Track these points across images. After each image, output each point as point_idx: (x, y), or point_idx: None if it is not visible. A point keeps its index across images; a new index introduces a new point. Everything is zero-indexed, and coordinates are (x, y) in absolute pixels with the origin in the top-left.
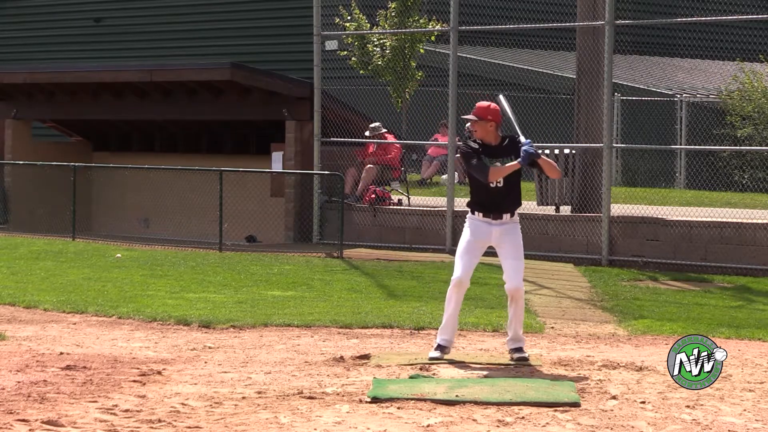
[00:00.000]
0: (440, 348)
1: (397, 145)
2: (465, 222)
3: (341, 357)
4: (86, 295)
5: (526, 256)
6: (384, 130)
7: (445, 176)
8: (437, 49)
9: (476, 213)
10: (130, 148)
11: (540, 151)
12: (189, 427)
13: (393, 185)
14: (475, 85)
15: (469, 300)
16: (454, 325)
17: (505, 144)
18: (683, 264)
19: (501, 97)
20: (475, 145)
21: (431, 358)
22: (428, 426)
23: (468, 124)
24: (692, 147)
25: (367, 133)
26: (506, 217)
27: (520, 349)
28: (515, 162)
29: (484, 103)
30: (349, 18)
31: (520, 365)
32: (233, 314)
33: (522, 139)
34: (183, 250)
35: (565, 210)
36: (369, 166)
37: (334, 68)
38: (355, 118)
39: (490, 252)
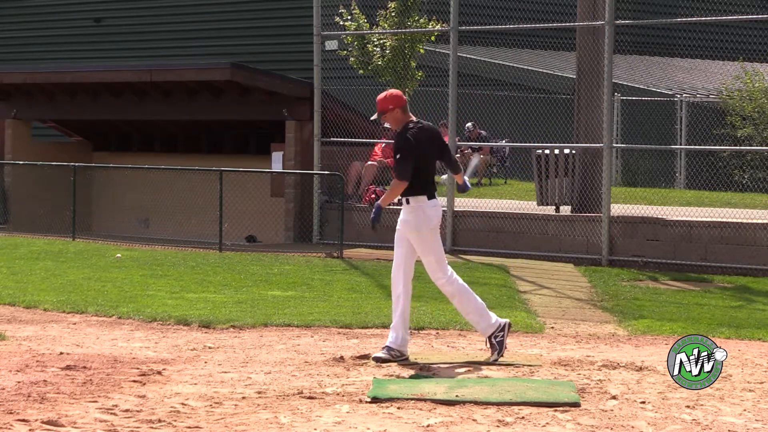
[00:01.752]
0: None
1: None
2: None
3: (341, 357)
4: (86, 295)
5: (527, 256)
6: None
7: (444, 176)
8: (437, 49)
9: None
10: (130, 148)
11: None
12: (189, 427)
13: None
14: (475, 85)
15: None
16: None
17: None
18: (683, 264)
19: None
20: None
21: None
22: (428, 426)
23: (468, 123)
24: (692, 147)
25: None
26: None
27: (489, 337)
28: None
29: (381, 95)
30: (348, 18)
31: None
32: (233, 314)
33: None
34: (183, 250)
35: (565, 210)
36: (369, 163)
37: (334, 68)
38: (355, 118)
39: (491, 252)
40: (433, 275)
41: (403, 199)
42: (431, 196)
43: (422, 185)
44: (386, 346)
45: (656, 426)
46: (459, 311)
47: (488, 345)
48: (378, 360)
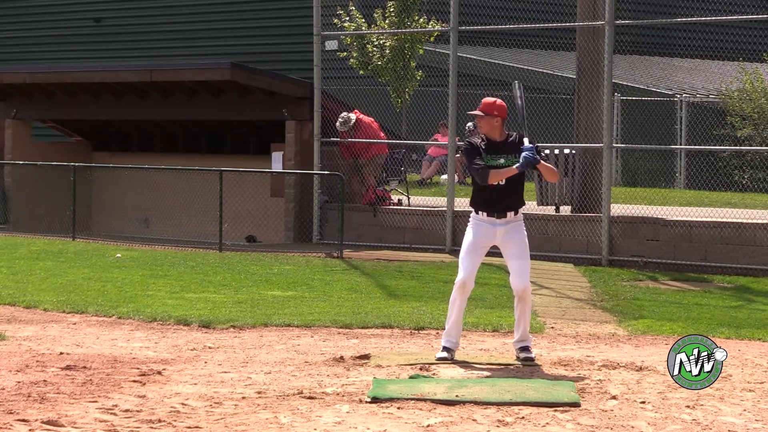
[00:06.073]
0: (446, 350)
1: (379, 137)
2: (468, 221)
3: (341, 357)
4: (86, 295)
5: None
6: (353, 120)
7: (445, 176)
8: (437, 49)
9: (480, 213)
10: (130, 148)
11: (541, 155)
12: (189, 427)
13: (392, 185)
14: (475, 85)
15: (469, 300)
16: (459, 327)
17: (510, 140)
18: (683, 264)
19: (516, 83)
20: (478, 140)
21: (439, 359)
22: (428, 426)
23: (469, 123)
24: (692, 147)
25: (338, 125)
26: (510, 215)
27: (526, 348)
28: (514, 167)
29: (490, 99)
30: (347, 18)
31: (526, 365)
32: (233, 314)
33: (526, 141)
34: (183, 250)
35: (565, 210)
36: (366, 173)
37: (334, 68)
38: None
39: (491, 252)
40: (527, 280)
41: (512, 212)
42: (481, 212)
43: (475, 200)
44: (445, 348)
45: (656, 426)
46: (519, 317)
47: (521, 354)
48: (441, 359)
